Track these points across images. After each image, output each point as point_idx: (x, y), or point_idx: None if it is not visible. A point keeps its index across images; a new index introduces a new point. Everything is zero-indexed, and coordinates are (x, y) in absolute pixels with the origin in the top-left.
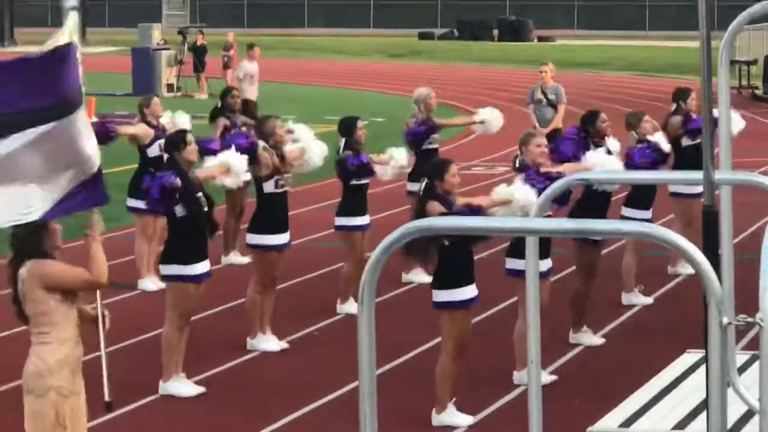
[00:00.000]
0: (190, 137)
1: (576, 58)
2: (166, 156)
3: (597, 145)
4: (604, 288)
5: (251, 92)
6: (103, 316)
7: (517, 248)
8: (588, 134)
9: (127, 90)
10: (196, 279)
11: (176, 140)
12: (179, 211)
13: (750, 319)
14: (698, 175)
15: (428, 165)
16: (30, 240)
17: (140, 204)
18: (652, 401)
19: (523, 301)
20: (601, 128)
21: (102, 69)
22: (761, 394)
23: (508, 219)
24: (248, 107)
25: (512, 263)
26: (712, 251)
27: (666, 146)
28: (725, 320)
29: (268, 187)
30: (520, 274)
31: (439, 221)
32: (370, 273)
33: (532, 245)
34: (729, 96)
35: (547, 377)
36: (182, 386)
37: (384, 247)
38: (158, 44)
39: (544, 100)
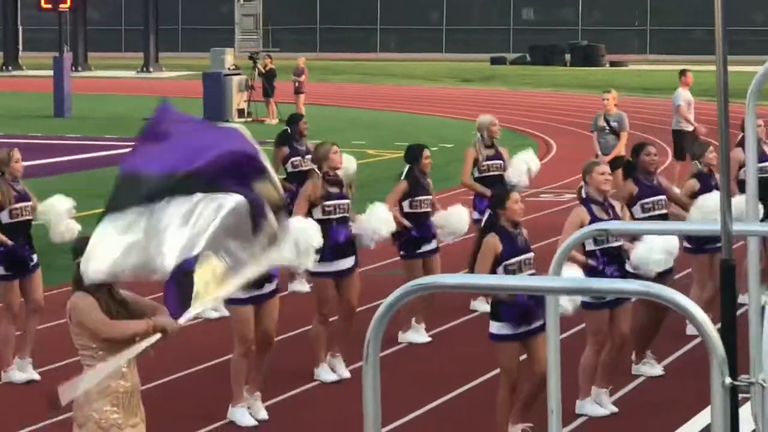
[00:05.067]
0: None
1: (648, 83)
2: None
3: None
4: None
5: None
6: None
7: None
8: (634, 166)
9: (198, 115)
10: (246, 302)
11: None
12: None
13: (752, 380)
14: (716, 226)
15: (490, 195)
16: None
17: None
18: None
19: (591, 331)
20: (645, 162)
21: (173, 94)
22: None
23: (511, 278)
24: None
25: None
26: (729, 307)
27: None
28: (728, 381)
29: (316, 213)
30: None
31: (444, 279)
32: (374, 330)
33: (552, 303)
34: (756, 141)
35: (609, 408)
36: (244, 415)
37: (387, 306)
38: (229, 69)
39: (607, 127)
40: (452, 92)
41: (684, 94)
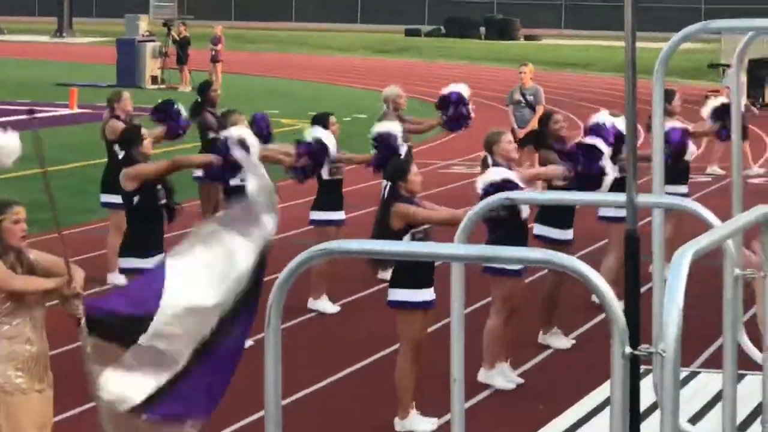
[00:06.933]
0: (145, 132)
1: (561, 58)
2: (122, 152)
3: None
4: (578, 289)
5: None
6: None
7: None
8: (543, 135)
9: (111, 81)
10: None
11: (133, 136)
12: (135, 201)
13: (652, 350)
14: (621, 197)
15: (388, 168)
16: None
17: (114, 199)
18: (594, 411)
19: (496, 299)
20: (554, 130)
21: (87, 60)
22: (661, 424)
23: (414, 244)
24: None
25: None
26: (633, 278)
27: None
28: (627, 350)
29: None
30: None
31: (347, 244)
32: (276, 295)
33: (457, 270)
34: (663, 114)
35: (515, 380)
36: None
37: (290, 270)
38: (143, 35)
39: (523, 101)
40: (367, 63)
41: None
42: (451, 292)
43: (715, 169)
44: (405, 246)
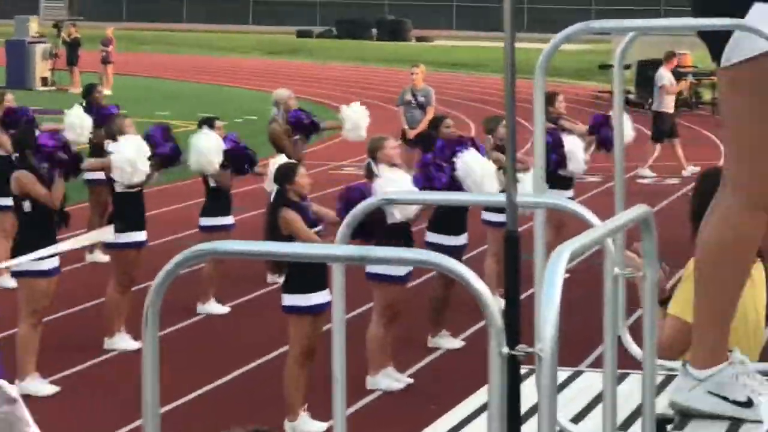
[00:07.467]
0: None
1: (453, 59)
2: (15, 155)
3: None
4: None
5: (668, 102)
6: None
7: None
8: (433, 139)
9: (0, 83)
10: (47, 274)
11: (26, 139)
12: (27, 206)
13: (530, 350)
14: (501, 197)
15: (276, 170)
16: None
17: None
18: (478, 411)
19: (378, 305)
20: (444, 134)
21: None
22: (539, 423)
23: (290, 245)
24: None
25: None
26: (513, 279)
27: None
28: (505, 350)
29: (120, 186)
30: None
31: (224, 245)
32: (153, 298)
33: (338, 271)
34: (544, 115)
35: (403, 381)
36: (39, 385)
37: (166, 272)
38: (34, 37)
39: (414, 102)
40: (259, 64)
41: (668, 76)
42: (332, 294)
43: (646, 171)
44: (280, 246)
